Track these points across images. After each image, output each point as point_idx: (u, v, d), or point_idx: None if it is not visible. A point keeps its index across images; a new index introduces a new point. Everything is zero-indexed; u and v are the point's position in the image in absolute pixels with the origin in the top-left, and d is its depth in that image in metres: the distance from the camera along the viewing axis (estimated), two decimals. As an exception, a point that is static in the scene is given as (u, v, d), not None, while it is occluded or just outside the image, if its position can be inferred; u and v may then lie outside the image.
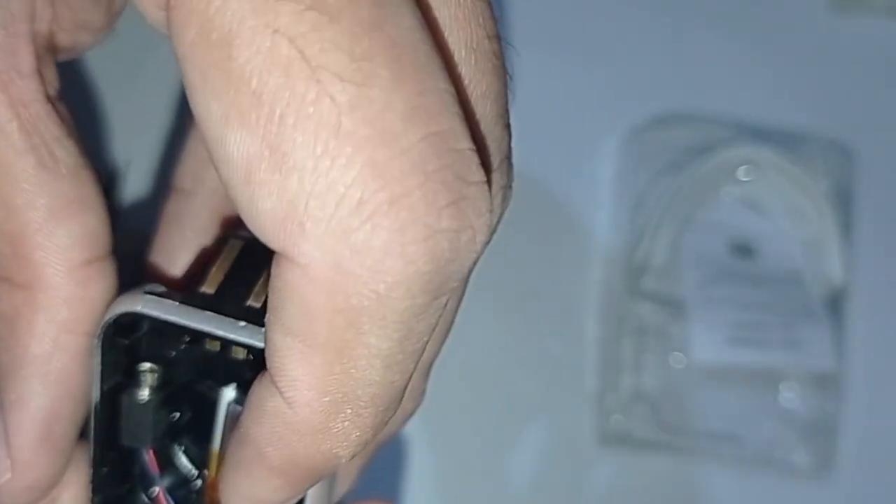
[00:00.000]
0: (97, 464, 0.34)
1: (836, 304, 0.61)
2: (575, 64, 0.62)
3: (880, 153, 0.64)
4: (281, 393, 0.26)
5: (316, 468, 0.27)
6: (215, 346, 0.33)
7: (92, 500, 0.34)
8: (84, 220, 0.30)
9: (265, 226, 0.24)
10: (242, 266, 0.34)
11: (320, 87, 0.22)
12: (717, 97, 0.63)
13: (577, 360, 0.60)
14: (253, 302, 0.33)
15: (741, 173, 0.62)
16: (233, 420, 0.33)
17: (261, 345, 0.30)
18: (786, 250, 0.61)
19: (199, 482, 0.36)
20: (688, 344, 0.59)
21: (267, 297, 0.30)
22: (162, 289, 0.33)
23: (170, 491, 0.35)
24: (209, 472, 0.34)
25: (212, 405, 0.34)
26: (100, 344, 0.32)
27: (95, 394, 0.33)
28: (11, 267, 0.29)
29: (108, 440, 0.34)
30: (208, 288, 0.33)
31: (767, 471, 0.59)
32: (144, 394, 0.33)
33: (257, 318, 0.31)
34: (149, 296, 0.32)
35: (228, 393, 0.34)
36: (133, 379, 0.34)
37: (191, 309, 0.32)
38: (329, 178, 0.23)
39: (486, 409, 0.59)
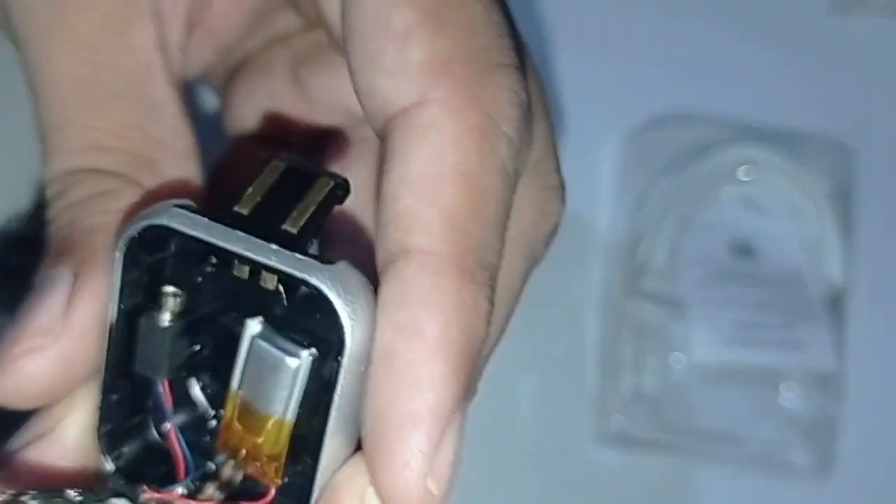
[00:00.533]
0: (107, 390, 0.32)
1: (836, 304, 0.61)
2: (575, 64, 0.62)
3: (880, 153, 0.64)
4: (414, 253, 0.29)
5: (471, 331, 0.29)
6: (243, 273, 0.31)
7: (98, 429, 0.32)
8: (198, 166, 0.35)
9: (413, 74, 0.29)
10: (282, 189, 0.31)
11: None
12: (718, 97, 0.63)
13: (577, 360, 0.60)
14: (289, 227, 0.30)
15: (741, 173, 0.62)
16: (255, 358, 0.31)
17: (292, 271, 0.29)
18: (786, 250, 0.61)
19: (213, 422, 0.33)
20: (688, 344, 0.59)
21: (305, 223, 0.30)
22: (193, 205, 0.31)
23: (182, 429, 0.33)
24: (226, 413, 0.32)
25: (234, 340, 0.31)
26: (121, 258, 0.30)
27: (112, 313, 0.31)
28: (145, 180, 0.33)
29: (121, 366, 0.32)
30: (242, 208, 0.31)
31: (767, 471, 0.59)
32: (165, 318, 0.31)
33: (291, 243, 0.30)
34: (177, 209, 0.30)
35: (253, 326, 0.31)
36: (154, 302, 0.31)
37: (220, 226, 0.30)
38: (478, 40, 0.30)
39: (486, 410, 0.59)
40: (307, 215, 0.31)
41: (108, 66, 0.33)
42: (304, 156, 0.33)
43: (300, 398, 0.31)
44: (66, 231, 0.32)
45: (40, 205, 0.58)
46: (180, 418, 0.33)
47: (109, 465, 0.33)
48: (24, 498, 0.30)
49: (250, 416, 0.31)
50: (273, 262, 0.29)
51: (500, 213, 0.30)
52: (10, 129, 0.59)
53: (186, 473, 0.32)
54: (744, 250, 0.62)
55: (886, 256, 0.63)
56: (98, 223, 0.32)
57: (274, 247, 0.29)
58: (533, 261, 0.35)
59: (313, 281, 0.29)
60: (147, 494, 0.32)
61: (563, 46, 0.63)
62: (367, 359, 0.29)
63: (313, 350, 0.31)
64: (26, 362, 0.31)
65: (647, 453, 0.59)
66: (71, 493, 0.31)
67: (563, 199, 0.36)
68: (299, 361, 0.31)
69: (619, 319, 0.60)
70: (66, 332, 0.31)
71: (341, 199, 0.32)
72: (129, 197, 0.33)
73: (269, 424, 0.31)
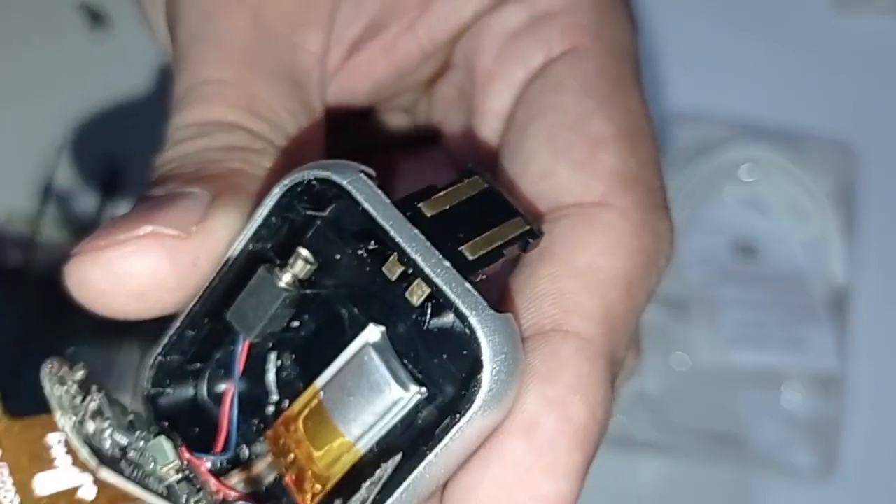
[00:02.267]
0: (186, 321, 0.29)
1: (838, 303, 0.60)
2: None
3: (882, 152, 0.64)
4: (573, 335, 0.29)
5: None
6: (392, 273, 0.28)
7: (155, 356, 0.30)
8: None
9: (603, 177, 0.31)
10: (474, 208, 0.29)
11: None
12: (720, 96, 0.63)
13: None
14: (467, 251, 0.28)
15: (743, 173, 0.62)
16: (358, 367, 0.28)
17: (457, 301, 0.26)
18: (788, 250, 0.61)
19: (271, 409, 0.30)
20: (690, 344, 0.59)
21: (485, 255, 0.28)
22: (375, 177, 0.28)
23: (240, 401, 0.30)
24: (293, 407, 0.29)
25: (340, 335, 0.29)
26: (278, 195, 0.28)
27: (237, 248, 0.29)
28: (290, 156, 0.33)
29: (213, 305, 0.29)
30: (427, 208, 0.28)
31: (769, 471, 0.59)
32: (285, 279, 0.29)
33: (463, 268, 0.27)
34: (363, 175, 0.28)
35: (373, 333, 0.28)
36: (282, 258, 0.29)
37: (399, 215, 0.27)
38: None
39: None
40: (490, 248, 0.28)
41: (278, 49, 0.33)
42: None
43: (385, 433, 0.28)
44: (202, 167, 0.31)
45: (41, 205, 0.58)
46: (242, 386, 0.30)
47: (147, 402, 0.30)
48: (93, 394, 0.28)
49: (320, 423, 0.29)
50: (440, 281, 0.27)
51: (631, 333, 0.31)
52: (11, 129, 0.59)
53: (225, 448, 0.30)
54: (746, 250, 0.61)
55: (889, 256, 0.62)
56: (242, 168, 0.31)
57: (447, 264, 0.27)
58: (650, 296, 0.37)
59: (474, 322, 0.27)
60: (180, 451, 0.29)
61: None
62: (485, 429, 0.27)
63: (423, 389, 0.28)
64: (154, 245, 0.28)
65: (648, 454, 0.59)
66: (129, 409, 0.29)
67: (640, 354, 0.38)
68: (405, 394, 0.28)
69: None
70: (201, 233, 0.29)
71: (526, 248, 0.29)
72: (274, 160, 0.32)
73: (337, 443, 0.28)
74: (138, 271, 0.28)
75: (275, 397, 0.30)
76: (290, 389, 0.30)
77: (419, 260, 0.27)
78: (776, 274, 0.61)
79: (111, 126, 0.59)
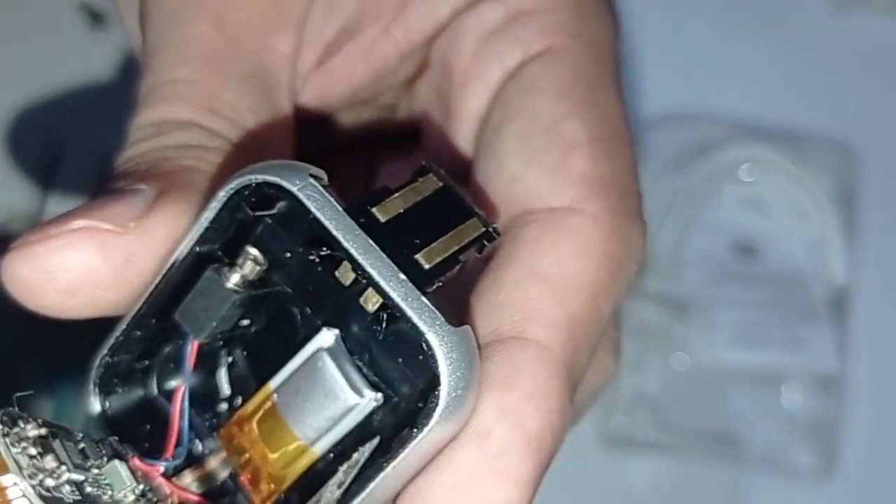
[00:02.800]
0: (133, 323, 0.29)
1: (838, 303, 0.60)
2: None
3: (882, 152, 0.64)
4: (532, 343, 0.29)
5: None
6: (345, 279, 0.27)
7: (101, 358, 0.29)
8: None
9: (574, 181, 0.31)
10: (429, 210, 0.28)
11: None
12: (720, 96, 0.63)
13: (578, 361, 0.60)
14: (423, 259, 0.27)
15: (743, 173, 0.62)
16: (312, 371, 0.28)
17: (412, 315, 0.26)
18: (788, 250, 0.61)
19: (224, 406, 0.30)
20: (690, 344, 0.59)
21: (441, 262, 0.27)
22: (326, 179, 0.27)
23: (191, 397, 0.30)
24: (247, 407, 0.29)
25: (292, 335, 0.28)
26: (224, 198, 0.27)
27: (183, 249, 0.28)
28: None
29: (160, 306, 0.28)
30: (380, 213, 0.27)
31: (770, 472, 0.59)
32: (233, 280, 0.28)
33: (419, 278, 0.26)
34: (312, 179, 0.27)
35: (327, 337, 0.28)
36: (230, 257, 0.28)
37: (351, 222, 0.26)
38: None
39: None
40: (447, 254, 0.28)
41: (244, 50, 0.33)
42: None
43: (340, 438, 0.28)
44: (154, 164, 0.30)
45: (40, 205, 0.58)
46: (191, 383, 0.30)
47: (95, 405, 0.30)
48: (29, 426, 0.27)
49: (275, 426, 0.28)
50: (395, 295, 0.26)
51: (596, 341, 0.31)
52: (10, 129, 0.59)
53: (177, 446, 0.29)
54: (746, 250, 0.61)
55: (889, 256, 0.62)
56: (194, 165, 0.30)
57: (402, 277, 0.26)
58: (579, 415, 0.36)
59: (431, 338, 0.26)
60: (132, 462, 0.28)
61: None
62: (442, 441, 0.27)
63: (379, 395, 0.28)
64: (84, 239, 0.28)
65: (648, 454, 0.59)
66: (78, 433, 0.28)
67: (619, 359, 0.37)
68: (360, 401, 0.28)
69: (620, 320, 0.60)
70: (139, 230, 0.28)
71: (482, 250, 0.29)
72: (231, 160, 0.31)
73: (293, 446, 0.28)
74: (68, 266, 0.28)
75: (226, 393, 0.30)
76: (243, 386, 0.30)
77: (373, 273, 0.26)
78: (776, 274, 0.61)
79: (111, 126, 0.59)
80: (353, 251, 0.26)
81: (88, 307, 0.28)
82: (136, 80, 0.33)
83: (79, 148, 0.59)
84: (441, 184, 0.29)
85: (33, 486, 0.26)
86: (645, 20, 0.64)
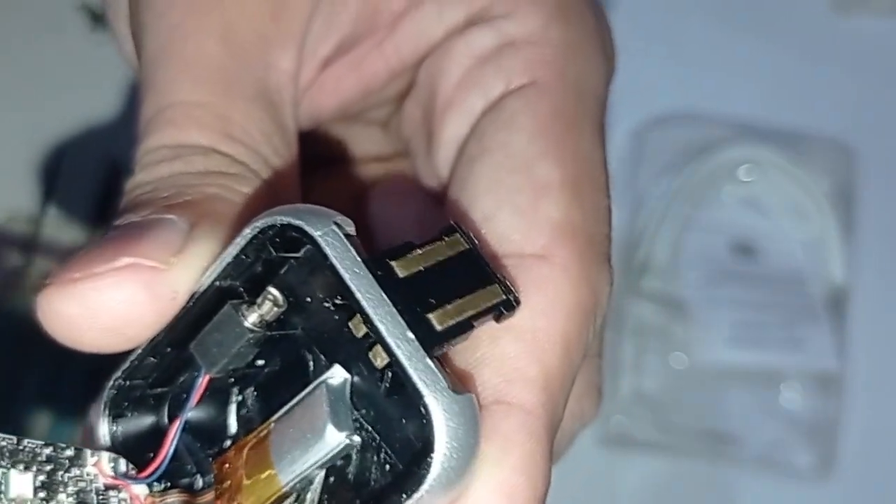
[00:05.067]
0: (149, 349, 0.28)
1: (837, 303, 0.61)
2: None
3: (881, 152, 0.64)
4: (515, 409, 0.29)
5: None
6: (358, 331, 0.27)
7: (114, 379, 0.29)
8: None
9: (544, 228, 0.31)
10: (450, 271, 0.28)
11: None
12: (719, 97, 0.63)
13: (577, 361, 0.60)
14: (436, 319, 0.27)
15: (742, 173, 0.62)
16: (310, 405, 0.28)
17: (415, 377, 0.25)
18: (787, 250, 0.61)
19: (228, 442, 0.30)
20: (689, 344, 0.59)
21: (454, 326, 0.27)
22: (352, 228, 0.27)
23: (195, 431, 0.29)
24: (248, 437, 0.29)
25: (305, 381, 0.28)
26: (249, 235, 0.27)
27: (204, 282, 0.28)
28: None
29: (178, 336, 0.28)
30: (400, 267, 0.27)
31: (768, 471, 0.59)
32: (251, 320, 0.27)
33: (429, 340, 0.26)
34: (336, 228, 0.27)
35: (336, 375, 0.28)
36: (251, 294, 0.28)
37: (369, 276, 0.26)
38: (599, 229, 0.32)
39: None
40: (461, 318, 0.27)
41: (250, 68, 0.32)
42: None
43: (307, 473, 0.28)
44: (178, 191, 0.30)
45: (41, 205, 0.58)
46: (200, 417, 0.30)
47: (104, 426, 0.30)
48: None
49: (260, 453, 0.28)
50: (399, 353, 0.26)
51: (570, 390, 0.31)
52: (11, 129, 0.59)
53: (154, 472, 0.29)
54: (745, 250, 0.62)
55: (887, 256, 0.63)
56: (220, 194, 0.30)
57: (410, 335, 0.26)
58: (557, 456, 0.36)
59: (430, 403, 0.26)
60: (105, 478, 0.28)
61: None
62: None
63: (357, 439, 0.27)
64: (132, 277, 0.27)
65: (647, 454, 0.59)
66: (47, 451, 0.28)
67: (600, 400, 0.37)
68: (337, 437, 0.27)
69: (619, 319, 0.60)
70: (181, 264, 0.27)
71: (500, 318, 0.28)
72: (252, 186, 0.31)
73: (265, 475, 0.28)
74: (115, 305, 0.27)
75: (232, 430, 0.30)
76: (249, 425, 0.29)
77: (381, 328, 0.26)
78: (775, 274, 0.61)
79: (112, 127, 0.60)
80: (364, 304, 0.26)
81: (129, 343, 0.28)
82: (136, 85, 0.32)
83: (80, 149, 0.59)
84: (466, 246, 0.28)
85: None
86: (645, 20, 0.64)
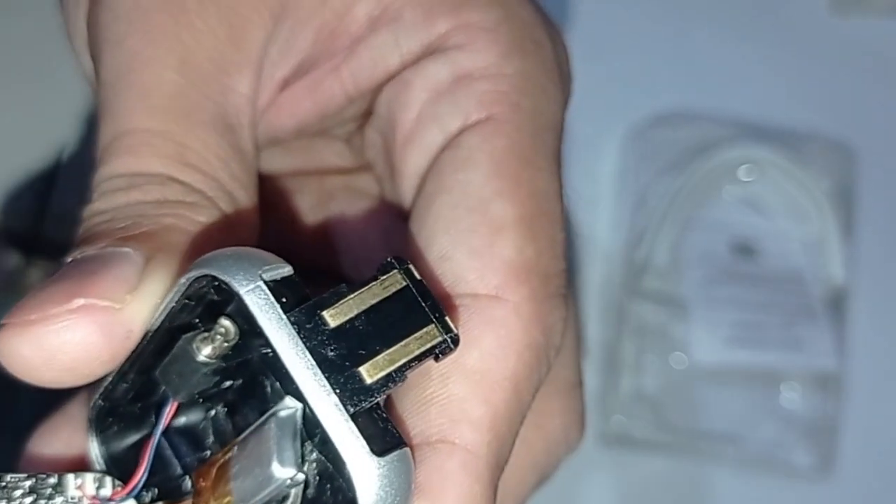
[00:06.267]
0: (117, 379, 0.29)
1: (837, 303, 0.61)
2: (576, 63, 0.62)
3: (881, 152, 0.64)
4: (458, 449, 0.30)
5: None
6: None
7: (94, 401, 0.30)
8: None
9: (498, 268, 0.31)
10: (385, 314, 0.27)
11: None
12: (719, 97, 0.63)
13: (577, 360, 0.60)
14: (366, 372, 0.26)
15: (742, 173, 0.62)
16: (260, 435, 0.28)
17: (332, 437, 0.25)
18: (787, 250, 0.61)
19: (208, 452, 0.30)
20: (688, 344, 0.59)
21: (384, 378, 0.26)
22: (285, 270, 0.27)
23: (181, 433, 0.30)
24: (218, 455, 0.29)
25: (266, 400, 0.28)
26: (185, 286, 0.27)
27: (154, 323, 0.28)
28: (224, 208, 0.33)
29: (142, 365, 0.29)
30: (331, 316, 0.26)
31: (768, 471, 0.59)
32: (204, 353, 0.28)
33: (356, 395, 0.26)
34: (261, 284, 0.26)
35: (287, 406, 0.28)
36: (207, 324, 0.28)
37: (294, 336, 0.26)
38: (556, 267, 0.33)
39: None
40: (393, 367, 0.27)
41: (207, 94, 0.32)
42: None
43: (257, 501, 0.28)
44: (135, 222, 0.30)
45: (41, 205, 0.58)
46: (186, 422, 0.30)
47: (92, 442, 0.30)
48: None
49: (223, 477, 0.29)
50: (321, 418, 0.26)
51: (519, 427, 0.32)
52: (11, 129, 0.59)
53: (131, 491, 0.29)
54: (744, 250, 0.62)
55: (887, 256, 0.63)
56: (176, 224, 0.30)
57: (333, 397, 0.26)
58: (544, 480, 0.37)
59: (352, 470, 0.26)
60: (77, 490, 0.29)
61: (564, 46, 0.63)
62: None
63: (300, 477, 0.27)
64: (85, 319, 0.27)
65: (647, 454, 0.59)
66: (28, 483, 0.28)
67: (584, 429, 0.38)
68: (281, 472, 0.27)
69: (619, 319, 0.60)
70: (135, 302, 0.28)
71: (438, 359, 0.28)
72: (209, 215, 0.31)
73: (225, 500, 0.28)
74: (70, 346, 0.27)
75: (210, 440, 0.30)
76: (224, 438, 0.30)
77: (304, 391, 0.26)
78: (775, 274, 0.61)
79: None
80: (286, 365, 0.26)
81: (87, 379, 0.28)
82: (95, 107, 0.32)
83: (80, 150, 0.59)
84: (403, 283, 0.28)
85: None
86: (645, 20, 0.64)
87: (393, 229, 0.37)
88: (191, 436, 0.30)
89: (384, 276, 0.28)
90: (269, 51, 0.34)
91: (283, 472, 0.27)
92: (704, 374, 0.59)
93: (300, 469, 0.27)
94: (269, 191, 0.39)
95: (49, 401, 0.32)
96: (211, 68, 0.32)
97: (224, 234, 0.30)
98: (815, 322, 0.60)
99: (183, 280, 0.27)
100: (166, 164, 0.31)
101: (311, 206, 0.39)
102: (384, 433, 0.26)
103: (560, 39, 0.36)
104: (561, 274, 0.33)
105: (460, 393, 0.30)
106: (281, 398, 0.28)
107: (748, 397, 0.60)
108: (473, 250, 0.31)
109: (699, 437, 0.59)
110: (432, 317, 0.28)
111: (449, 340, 0.28)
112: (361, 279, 0.27)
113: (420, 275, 0.28)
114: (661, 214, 0.61)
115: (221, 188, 0.32)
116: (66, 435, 0.32)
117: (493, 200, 0.32)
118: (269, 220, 0.35)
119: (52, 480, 0.29)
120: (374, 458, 0.26)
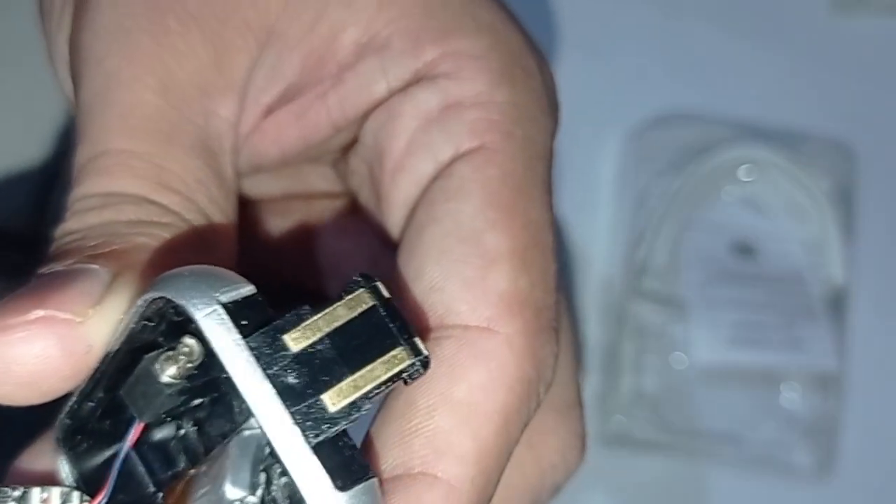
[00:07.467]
0: (81, 399, 0.28)
1: (836, 303, 0.61)
2: (576, 64, 0.62)
3: (881, 152, 0.64)
4: (441, 483, 0.29)
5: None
6: None
7: (60, 420, 0.29)
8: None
9: (491, 300, 0.31)
10: (351, 336, 0.26)
11: None
12: (718, 97, 0.63)
13: (577, 361, 0.60)
14: (328, 400, 0.25)
15: (742, 173, 0.62)
16: (221, 452, 0.27)
17: (292, 471, 0.24)
18: (786, 250, 0.61)
19: (180, 468, 0.29)
20: (688, 344, 0.59)
21: (349, 405, 0.25)
22: (247, 290, 0.26)
23: (154, 447, 0.29)
24: (184, 477, 0.28)
25: (233, 419, 0.27)
26: (142, 308, 0.26)
27: (115, 343, 0.27)
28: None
29: (106, 384, 0.28)
30: (293, 341, 0.25)
31: (768, 471, 0.59)
32: (169, 373, 0.26)
33: (318, 425, 0.25)
34: (219, 308, 0.25)
35: (250, 428, 0.27)
36: (170, 342, 0.27)
37: (252, 364, 0.25)
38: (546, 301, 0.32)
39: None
40: (358, 394, 0.25)
41: (187, 116, 0.32)
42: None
43: None
44: (105, 241, 0.29)
45: (41, 205, 0.58)
46: (158, 437, 0.29)
47: (62, 463, 0.29)
48: None
49: (187, 492, 0.28)
50: (280, 450, 0.25)
51: (507, 460, 0.31)
52: (11, 129, 0.59)
53: None
54: (744, 250, 0.62)
55: (887, 256, 0.63)
56: (148, 243, 0.29)
57: (294, 428, 0.24)
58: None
59: None
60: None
61: (564, 46, 0.63)
62: None
63: (251, 500, 0.26)
64: (44, 331, 0.26)
65: (647, 454, 0.59)
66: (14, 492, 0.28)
67: (584, 451, 0.37)
68: (233, 494, 0.26)
69: (619, 319, 0.60)
70: (97, 317, 0.27)
71: (407, 383, 0.27)
72: (183, 237, 0.30)
73: None
74: (27, 359, 0.26)
75: (182, 458, 0.29)
76: (193, 456, 0.29)
77: (263, 421, 0.24)
78: (775, 274, 0.61)
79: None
80: (244, 395, 0.25)
81: (47, 396, 0.28)
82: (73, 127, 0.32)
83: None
84: (371, 303, 0.26)
85: None
86: (645, 20, 0.64)
87: (380, 255, 0.36)
88: (163, 452, 0.29)
89: (350, 296, 0.26)
90: (254, 76, 0.33)
91: (234, 493, 0.26)
92: (704, 374, 0.59)
93: (252, 492, 0.26)
94: (255, 214, 0.38)
95: (41, 423, 0.31)
96: (192, 91, 0.32)
97: (198, 255, 0.29)
98: (815, 322, 0.60)
99: (140, 301, 0.26)
100: (142, 186, 0.30)
101: (297, 230, 0.39)
102: (349, 463, 0.25)
103: (547, 68, 0.36)
104: (553, 307, 0.32)
105: (446, 425, 0.29)
106: (249, 416, 0.27)
107: (748, 397, 0.60)
108: (466, 281, 0.31)
109: (699, 438, 0.59)
110: (401, 338, 0.26)
111: (419, 363, 0.27)
112: (329, 298, 0.26)
113: (389, 292, 0.27)
114: (661, 215, 0.61)
115: (199, 210, 0.31)
116: (48, 459, 0.31)
117: (486, 231, 0.31)
118: (254, 244, 0.35)
119: (17, 493, 0.28)
120: (337, 493, 0.25)
